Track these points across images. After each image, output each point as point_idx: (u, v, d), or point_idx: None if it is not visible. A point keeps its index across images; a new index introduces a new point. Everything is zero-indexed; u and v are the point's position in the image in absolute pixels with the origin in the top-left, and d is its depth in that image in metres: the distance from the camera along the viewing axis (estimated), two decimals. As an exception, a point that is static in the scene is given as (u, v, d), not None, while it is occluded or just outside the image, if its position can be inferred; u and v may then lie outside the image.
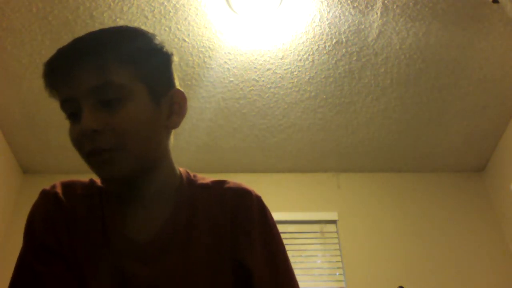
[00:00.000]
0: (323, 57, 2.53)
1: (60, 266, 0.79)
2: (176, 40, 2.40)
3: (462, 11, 2.31)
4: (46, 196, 0.85)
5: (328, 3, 2.26)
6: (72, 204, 0.84)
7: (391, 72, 2.61)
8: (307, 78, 2.64)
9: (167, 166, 0.86)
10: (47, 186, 0.87)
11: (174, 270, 0.80)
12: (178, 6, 2.25)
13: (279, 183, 3.20)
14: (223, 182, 0.91)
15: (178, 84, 0.86)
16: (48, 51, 2.43)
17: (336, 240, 3.02)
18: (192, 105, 2.74)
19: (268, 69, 2.59)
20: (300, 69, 2.60)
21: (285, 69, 2.60)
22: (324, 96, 2.75)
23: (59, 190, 0.85)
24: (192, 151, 3.03)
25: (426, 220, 3.08)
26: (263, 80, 2.65)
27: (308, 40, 2.44)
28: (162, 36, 2.37)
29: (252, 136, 2.99)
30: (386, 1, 2.26)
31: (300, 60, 2.55)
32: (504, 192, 3.00)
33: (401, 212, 3.12)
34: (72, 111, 0.77)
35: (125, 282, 0.79)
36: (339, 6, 2.28)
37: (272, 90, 2.71)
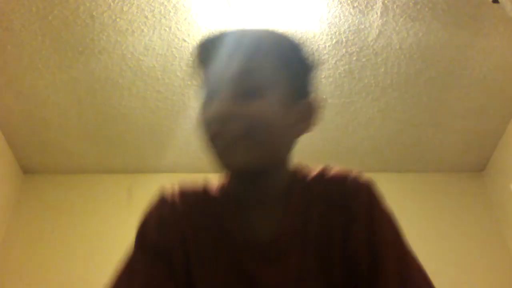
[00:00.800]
0: (323, 57, 2.53)
1: (166, 270, 0.80)
2: (176, 40, 2.40)
3: (462, 11, 2.31)
4: (162, 200, 0.87)
5: (328, 3, 2.26)
6: (188, 209, 0.86)
7: (391, 72, 2.61)
8: (307, 78, 2.64)
9: (286, 169, 0.88)
10: (166, 186, 0.89)
11: (295, 270, 0.80)
12: (178, 6, 2.25)
13: (279, 183, 3.19)
14: (325, 170, 0.89)
15: (316, 94, 0.90)
16: (48, 51, 2.44)
17: (336, 240, 3.02)
18: (192, 105, 2.73)
19: (268, 69, 2.59)
20: (300, 69, 2.60)
21: (285, 69, 2.60)
22: (324, 96, 2.75)
23: (176, 194, 0.87)
24: (192, 151, 3.02)
25: (425, 220, 3.07)
26: (263, 80, 2.65)
27: (308, 40, 2.44)
28: (162, 36, 2.38)
29: (252, 136, 2.99)
30: (386, 1, 2.26)
31: (300, 60, 2.54)
32: (504, 192, 3.00)
33: (401, 212, 3.07)
34: (211, 93, 0.80)
35: (252, 284, 0.79)
36: (339, 6, 2.28)
37: (272, 90, 2.71)
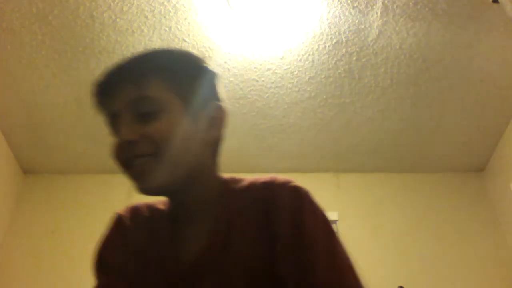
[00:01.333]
0: (323, 57, 2.53)
1: (115, 278, 0.84)
2: (176, 40, 2.40)
3: (462, 11, 2.31)
4: (113, 220, 0.92)
5: (328, 3, 2.26)
6: (136, 226, 0.89)
7: (391, 72, 2.61)
8: (307, 78, 2.64)
9: (210, 181, 0.87)
10: (119, 210, 0.93)
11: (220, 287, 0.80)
12: (178, 6, 2.25)
13: (279, 183, 3.19)
14: (257, 180, 0.88)
15: (222, 100, 0.89)
16: (48, 51, 2.44)
17: (336, 240, 3.02)
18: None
19: (268, 69, 2.59)
20: (300, 69, 2.60)
21: (285, 69, 2.60)
22: (324, 96, 2.75)
23: (126, 213, 0.92)
24: (192, 151, 3.03)
25: (426, 220, 3.08)
26: (263, 80, 2.65)
27: (308, 40, 2.44)
28: (162, 36, 2.38)
29: (252, 136, 2.99)
30: (386, 1, 2.26)
31: (300, 60, 2.55)
32: (504, 192, 3.00)
33: (401, 212, 3.11)
34: (116, 127, 0.81)
35: None
36: (339, 6, 2.28)
37: (272, 90, 2.71)
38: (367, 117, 2.89)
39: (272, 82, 2.66)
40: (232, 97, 2.73)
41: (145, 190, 0.79)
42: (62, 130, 2.88)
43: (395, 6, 2.29)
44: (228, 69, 2.57)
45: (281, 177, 0.87)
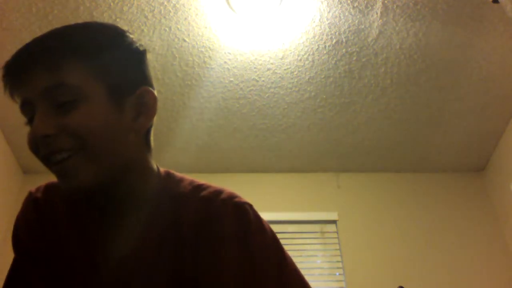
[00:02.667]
0: (323, 57, 2.53)
1: (39, 268, 0.78)
2: (176, 40, 2.40)
3: (462, 11, 2.31)
4: (27, 201, 0.84)
5: (328, 3, 2.26)
6: (52, 209, 0.80)
7: (391, 72, 2.61)
8: (307, 78, 2.64)
9: (141, 172, 0.77)
10: (32, 188, 0.86)
11: None
12: (178, 6, 2.25)
13: (279, 183, 3.20)
14: (200, 189, 0.79)
15: (151, 83, 0.79)
16: (48, 51, 2.44)
17: (336, 240, 3.02)
18: (192, 105, 2.74)
19: (268, 69, 2.59)
20: (300, 69, 2.60)
21: (285, 69, 2.60)
22: (324, 96, 2.75)
23: (40, 194, 0.83)
24: (192, 151, 3.03)
25: (426, 220, 3.08)
26: (263, 80, 2.65)
27: (308, 40, 2.44)
28: (162, 36, 2.38)
29: (252, 136, 2.99)
30: (386, 1, 2.26)
31: (300, 60, 2.55)
32: (504, 192, 3.00)
33: (401, 212, 3.11)
34: (31, 115, 0.70)
35: None
36: (339, 6, 2.28)
37: (272, 90, 2.71)
38: (367, 117, 2.89)
39: (272, 82, 2.66)
40: (232, 97, 2.73)
41: (72, 190, 0.70)
42: (62, 130, 2.88)
43: (395, 6, 2.29)
44: (228, 69, 2.57)
45: (227, 190, 0.78)
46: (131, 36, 0.77)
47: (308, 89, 2.71)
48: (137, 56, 0.77)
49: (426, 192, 3.21)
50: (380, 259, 2.91)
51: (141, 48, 0.77)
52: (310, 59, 2.54)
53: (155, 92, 0.78)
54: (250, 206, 0.77)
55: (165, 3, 2.24)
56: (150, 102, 0.76)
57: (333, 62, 2.56)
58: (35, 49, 0.70)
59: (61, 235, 0.79)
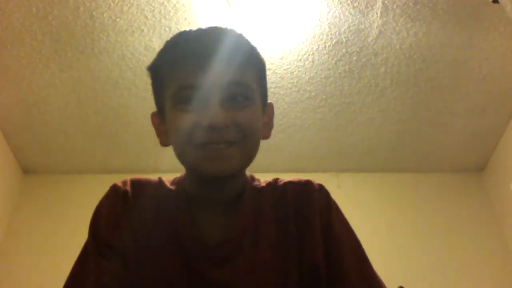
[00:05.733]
0: (323, 57, 2.53)
1: (118, 263, 0.80)
2: (176, 40, 2.39)
3: (462, 11, 2.31)
4: (115, 192, 0.87)
5: (328, 3, 2.26)
6: (141, 203, 0.85)
7: (391, 72, 2.61)
8: (307, 78, 2.64)
9: (244, 174, 0.90)
10: (118, 182, 0.90)
11: (243, 272, 0.81)
12: (178, 6, 2.25)
13: (279, 183, 3.19)
14: (277, 180, 0.92)
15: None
16: (48, 51, 2.44)
17: (336, 240, 3.02)
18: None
19: (268, 69, 2.59)
20: (300, 69, 2.60)
21: (285, 69, 2.60)
22: (324, 96, 2.75)
23: (129, 188, 0.87)
24: (192, 151, 3.02)
25: (426, 220, 3.08)
26: (263, 80, 2.65)
27: (308, 40, 2.44)
28: (162, 36, 2.38)
29: (252, 136, 2.99)
30: (386, 1, 2.26)
31: (300, 60, 2.55)
32: (504, 192, 3.00)
33: (401, 212, 3.11)
34: (188, 99, 0.77)
35: (203, 281, 0.80)
36: (339, 6, 2.28)
37: (272, 90, 2.71)
38: (367, 117, 2.89)
39: (272, 82, 2.66)
40: (232, 97, 2.73)
41: (219, 172, 0.78)
42: (62, 130, 2.88)
43: (395, 6, 2.29)
44: (228, 69, 2.56)
45: (297, 177, 0.93)
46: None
47: (308, 89, 2.71)
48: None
49: (426, 192, 3.21)
50: (380, 259, 2.90)
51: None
52: (310, 59, 2.54)
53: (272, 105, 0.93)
54: (327, 190, 0.93)
55: (165, 3, 2.24)
56: (272, 115, 0.91)
57: (333, 62, 2.56)
58: (224, 47, 0.79)
59: (150, 229, 0.83)
